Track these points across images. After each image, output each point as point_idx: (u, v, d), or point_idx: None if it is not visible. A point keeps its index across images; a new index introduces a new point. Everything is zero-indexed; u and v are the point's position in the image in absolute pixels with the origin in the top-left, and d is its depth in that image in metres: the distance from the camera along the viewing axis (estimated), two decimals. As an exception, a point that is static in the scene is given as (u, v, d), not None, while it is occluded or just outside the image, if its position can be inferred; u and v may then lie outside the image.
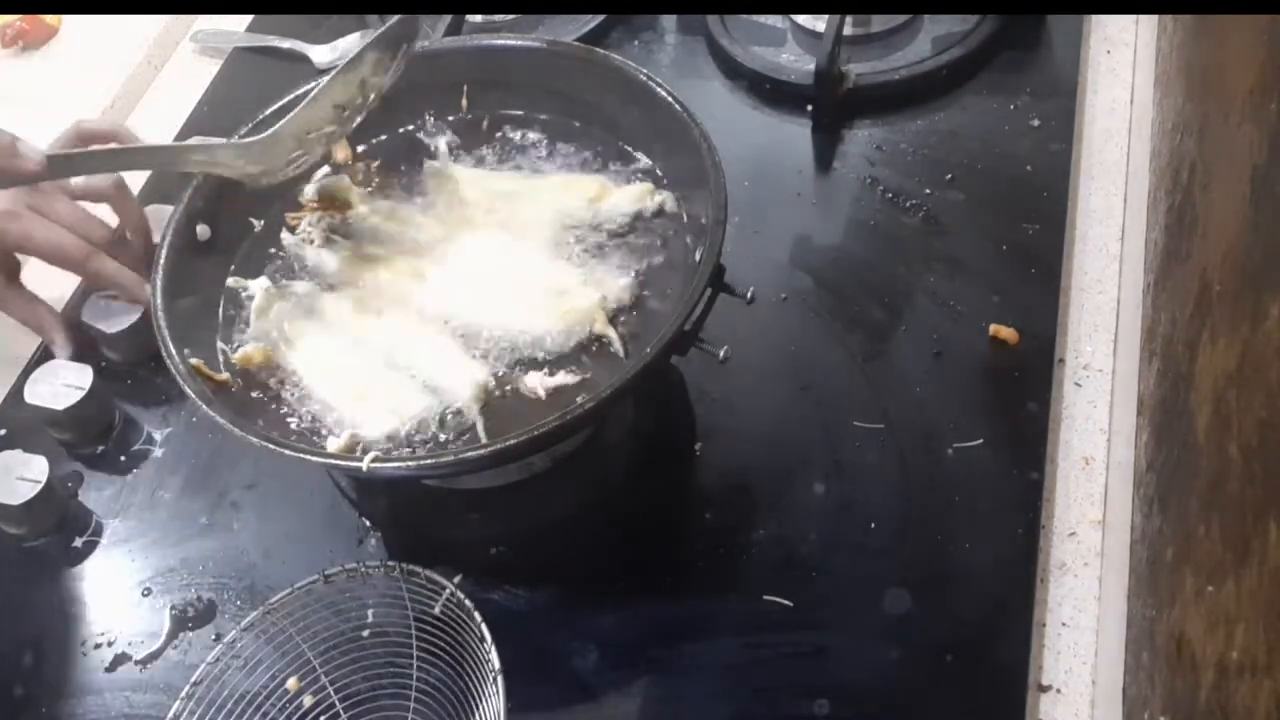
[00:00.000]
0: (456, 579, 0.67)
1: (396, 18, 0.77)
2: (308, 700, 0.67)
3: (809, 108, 0.94)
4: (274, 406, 0.72)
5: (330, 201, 0.80)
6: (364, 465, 0.64)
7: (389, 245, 0.79)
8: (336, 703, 0.67)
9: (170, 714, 0.65)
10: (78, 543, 0.79)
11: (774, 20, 1.01)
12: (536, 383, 0.70)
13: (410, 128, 0.85)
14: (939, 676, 0.66)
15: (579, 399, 0.68)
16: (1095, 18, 0.98)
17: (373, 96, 0.78)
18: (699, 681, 0.68)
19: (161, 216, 0.78)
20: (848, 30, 0.94)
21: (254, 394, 0.72)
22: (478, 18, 1.04)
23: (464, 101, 0.84)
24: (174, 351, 0.70)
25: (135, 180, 0.99)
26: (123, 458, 0.83)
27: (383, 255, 0.78)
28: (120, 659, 0.73)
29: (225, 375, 0.73)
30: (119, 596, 0.76)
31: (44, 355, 0.87)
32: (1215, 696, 0.51)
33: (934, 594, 0.69)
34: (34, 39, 1.13)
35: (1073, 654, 0.67)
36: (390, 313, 0.75)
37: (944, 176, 0.89)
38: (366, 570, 0.68)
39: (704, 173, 0.71)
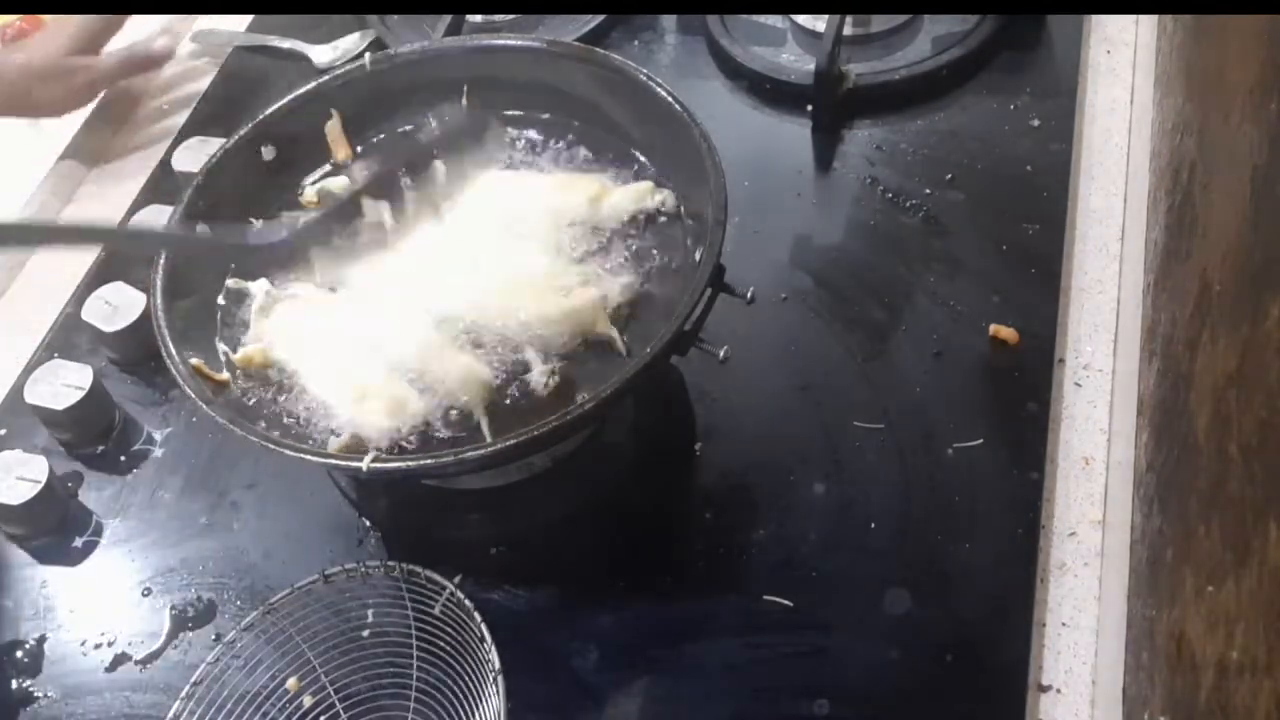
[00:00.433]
0: (456, 579, 0.67)
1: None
2: (308, 700, 0.67)
3: (809, 108, 0.94)
4: (274, 407, 0.72)
5: (330, 201, 0.80)
6: (364, 465, 0.64)
7: (389, 245, 0.79)
8: (336, 703, 0.67)
9: (170, 714, 0.65)
10: (78, 543, 0.79)
11: (774, 20, 1.01)
12: (538, 382, 0.71)
13: (410, 128, 0.85)
14: (939, 676, 0.66)
15: (579, 398, 0.68)
16: (1095, 18, 0.98)
17: None
18: (699, 681, 0.68)
19: (162, 216, 0.78)
20: (848, 30, 0.94)
21: (254, 394, 0.72)
22: (478, 18, 1.04)
23: (464, 101, 0.84)
24: (174, 351, 0.70)
25: (135, 182, 1.00)
26: (123, 458, 0.83)
27: (383, 255, 0.78)
28: (120, 659, 0.73)
29: (225, 375, 0.73)
30: (119, 596, 0.76)
31: (44, 355, 0.87)
32: (1215, 696, 0.51)
33: (934, 594, 0.69)
34: (34, 39, 1.13)
35: (1073, 654, 0.67)
36: (390, 313, 0.75)
37: (944, 176, 0.89)
38: (366, 570, 0.68)
39: (704, 173, 0.71)
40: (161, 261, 0.74)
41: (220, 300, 0.77)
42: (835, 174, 0.91)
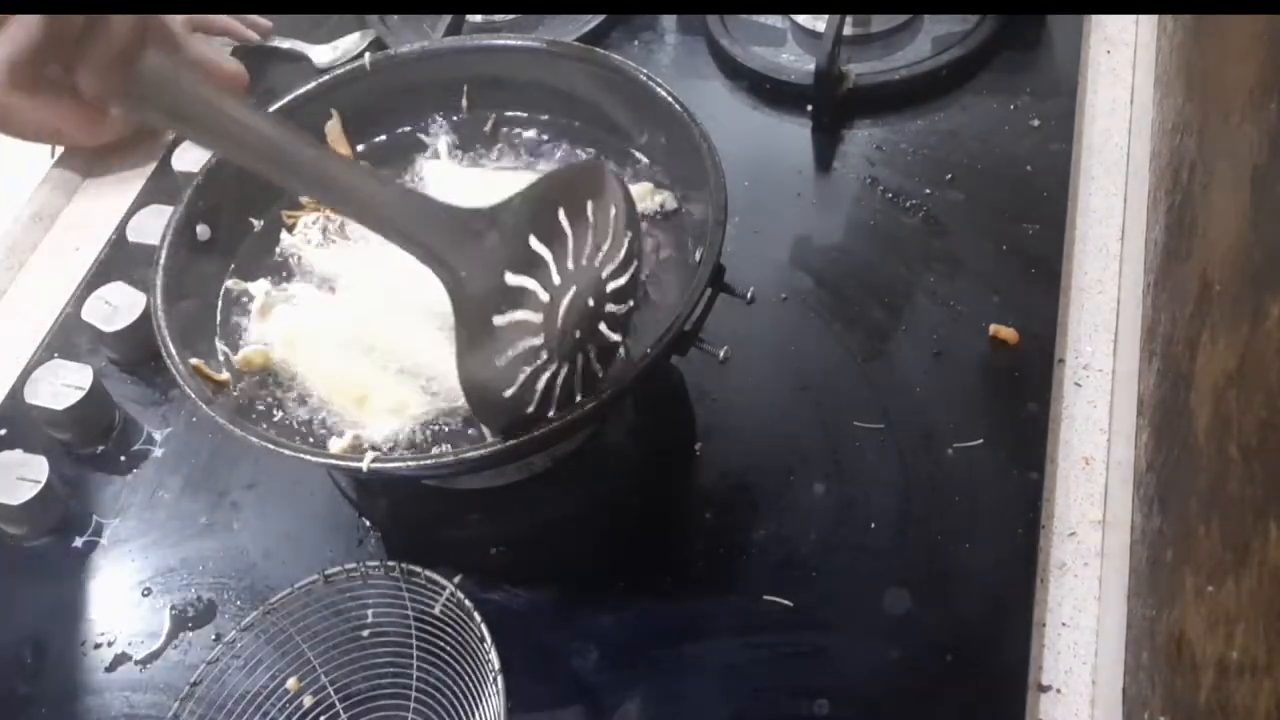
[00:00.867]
0: (456, 579, 0.67)
1: None
2: (308, 700, 0.67)
3: (809, 108, 0.94)
4: (274, 407, 0.72)
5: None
6: (364, 465, 0.64)
7: (389, 245, 0.79)
8: (336, 703, 0.67)
9: (170, 714, 0.65)
10: (78, 543, 0.79)
11: (774, 20, 1.01)
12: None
13: (410, 128, 0.85)
14: (939, 676, 0.66)
15: (579, 398, 0.68)
16: (1095, 18, 0.98)
17: None
18: (699, 681, 0.68)
19: (162, 216, 0.78)
20: (848, 30, 0.94)
21: (254, 395, 0.72)
22: (478, 18, 1.04)
23: (464, 101, 0.84)
24: (174, 352, 0.70)
25: (134, 183, 1.00)
26: (123, 458, 0.83)
27: (382, 256, 0.78)
28: (120, 659, 0.73)
29: (225, 376, 0.73)
30: (119, 596, 0.76)
31: (44, 355, 0.87)
32: (1215, 696, 0.51)
33: (934, 594, 0.69)
34: (34, 39, 1.13)
35: (1073, 654, 0.67)
36: (391, 313, 0.75)
37: (944, 176, 0.89)
38: (366, 570, 0.68)
39: (704, 173, 0.71)
40: (162, 261, 0.74)
41: (220, 301, 0.77)
42: (835, 174, 0.91)
